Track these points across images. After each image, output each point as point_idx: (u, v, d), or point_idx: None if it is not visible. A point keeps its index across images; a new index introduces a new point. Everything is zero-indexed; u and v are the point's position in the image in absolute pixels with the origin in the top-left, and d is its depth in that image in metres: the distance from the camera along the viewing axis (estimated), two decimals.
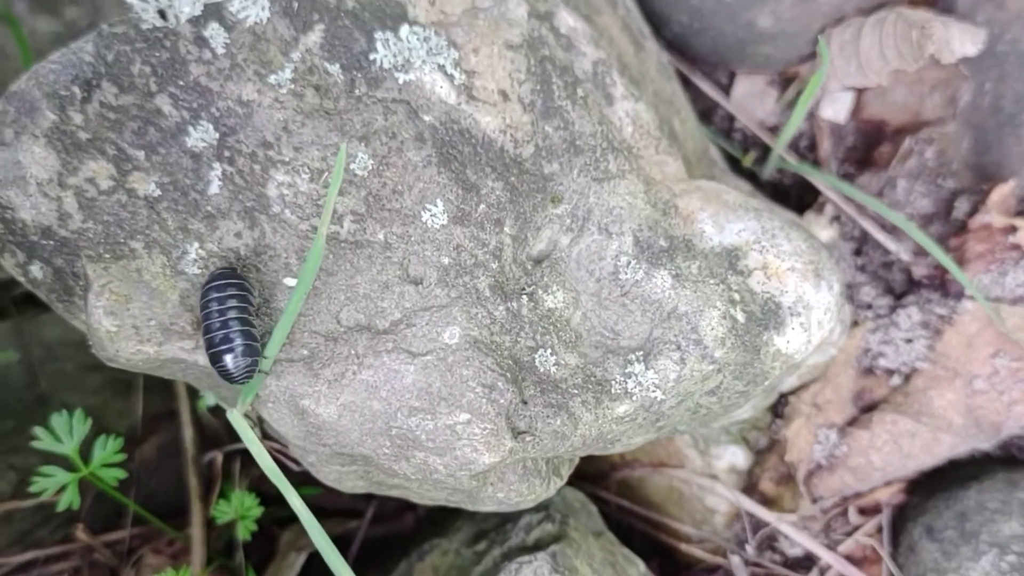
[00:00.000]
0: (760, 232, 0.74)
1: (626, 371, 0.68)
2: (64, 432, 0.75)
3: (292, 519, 1.03)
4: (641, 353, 0.69)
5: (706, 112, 1.12)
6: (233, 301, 0.61)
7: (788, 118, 1.09)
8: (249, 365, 0.61)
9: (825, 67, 0.78)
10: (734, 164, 1.07)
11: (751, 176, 1.09)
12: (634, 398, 0.68)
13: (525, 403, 0.65)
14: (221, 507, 0.86)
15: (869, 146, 1.06)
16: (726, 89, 1.11)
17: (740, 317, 0.70)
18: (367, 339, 0.64)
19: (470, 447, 0.63)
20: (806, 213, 1.00)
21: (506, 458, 0.64)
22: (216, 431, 1.02)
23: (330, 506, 1.03)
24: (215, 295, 0.61)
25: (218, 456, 0.93)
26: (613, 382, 0.68)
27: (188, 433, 0.97)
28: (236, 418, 0.62)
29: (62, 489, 0.76)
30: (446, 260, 0.66)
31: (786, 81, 1.08)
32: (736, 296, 0.71)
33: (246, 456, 0.98)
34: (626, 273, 0.70)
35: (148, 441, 1.01)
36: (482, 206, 0.67)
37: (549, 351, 0.67)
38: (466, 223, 0.66)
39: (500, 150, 0.69)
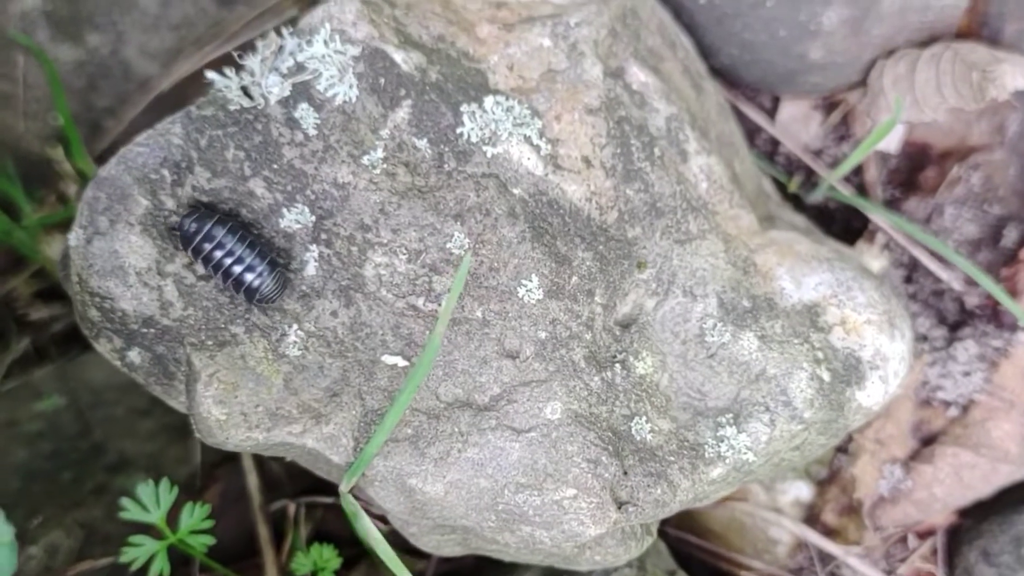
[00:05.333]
0: (836, 285, 0.75)
1: (718, 434, 0.70)
2: (151, 501, 0.75)
3: (356, 559, 1.05)
4: (731, 415, 0.70)
5: (749, 135, 1.12)
6: (227, 234, 0.62)
7: (833, 142, 1.10)
8: (279, 279, 0.63)
9: (898, 114, 0.78)
10: (778, 187, 1.08)
11: (795, 199, 1.11)
12: (727, 461, 0.69)
13: (626, 474, 0.66)
14: (300, 559, 0.87)
15: (913, 169, 1.07)
16: (770, 113, 1.11)
17: (825, 376, 0.72)
18: (469, 416, 0.65)
19: (576, 521, 0.64)
20: (858, 243, 1.02)
21: (611, 529, 0.65)
22: (276, 476, 1.02)
23: (395, 544, 1.05)
24: (204, 236, 0.61)
25: (289, 505, 0.94)
26: (706, 446, 0.69)
27: (253, 480, 0.97)
28: (349, 502, 0.62)
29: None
30: (543, 335, 0.66)
31: (831, 106, 1.08)
32: (820, 355, 0.72)
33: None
34: (712, 336, 0.71)
35: (210, 489, 1.01)
36: (574, 278, 0.68)
37: (644, 419, 0.68)
38: (560, 296, 0.67)
39: (587, 219, 0.70)
